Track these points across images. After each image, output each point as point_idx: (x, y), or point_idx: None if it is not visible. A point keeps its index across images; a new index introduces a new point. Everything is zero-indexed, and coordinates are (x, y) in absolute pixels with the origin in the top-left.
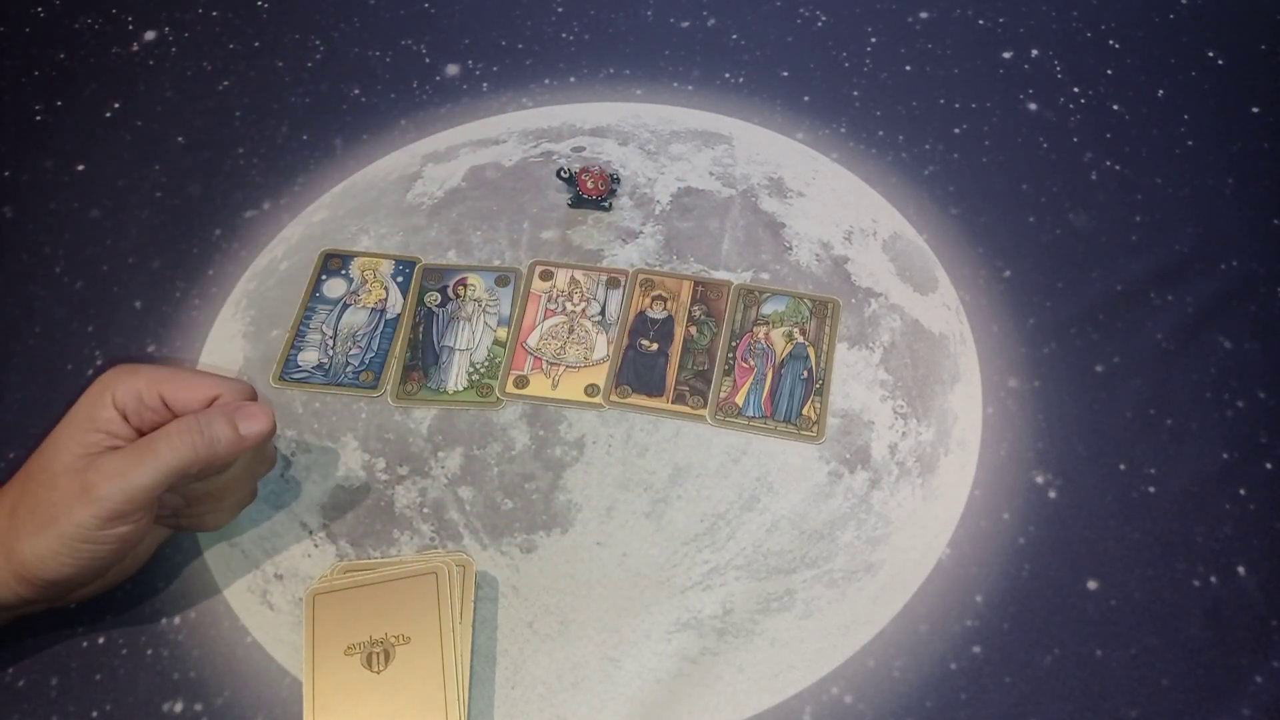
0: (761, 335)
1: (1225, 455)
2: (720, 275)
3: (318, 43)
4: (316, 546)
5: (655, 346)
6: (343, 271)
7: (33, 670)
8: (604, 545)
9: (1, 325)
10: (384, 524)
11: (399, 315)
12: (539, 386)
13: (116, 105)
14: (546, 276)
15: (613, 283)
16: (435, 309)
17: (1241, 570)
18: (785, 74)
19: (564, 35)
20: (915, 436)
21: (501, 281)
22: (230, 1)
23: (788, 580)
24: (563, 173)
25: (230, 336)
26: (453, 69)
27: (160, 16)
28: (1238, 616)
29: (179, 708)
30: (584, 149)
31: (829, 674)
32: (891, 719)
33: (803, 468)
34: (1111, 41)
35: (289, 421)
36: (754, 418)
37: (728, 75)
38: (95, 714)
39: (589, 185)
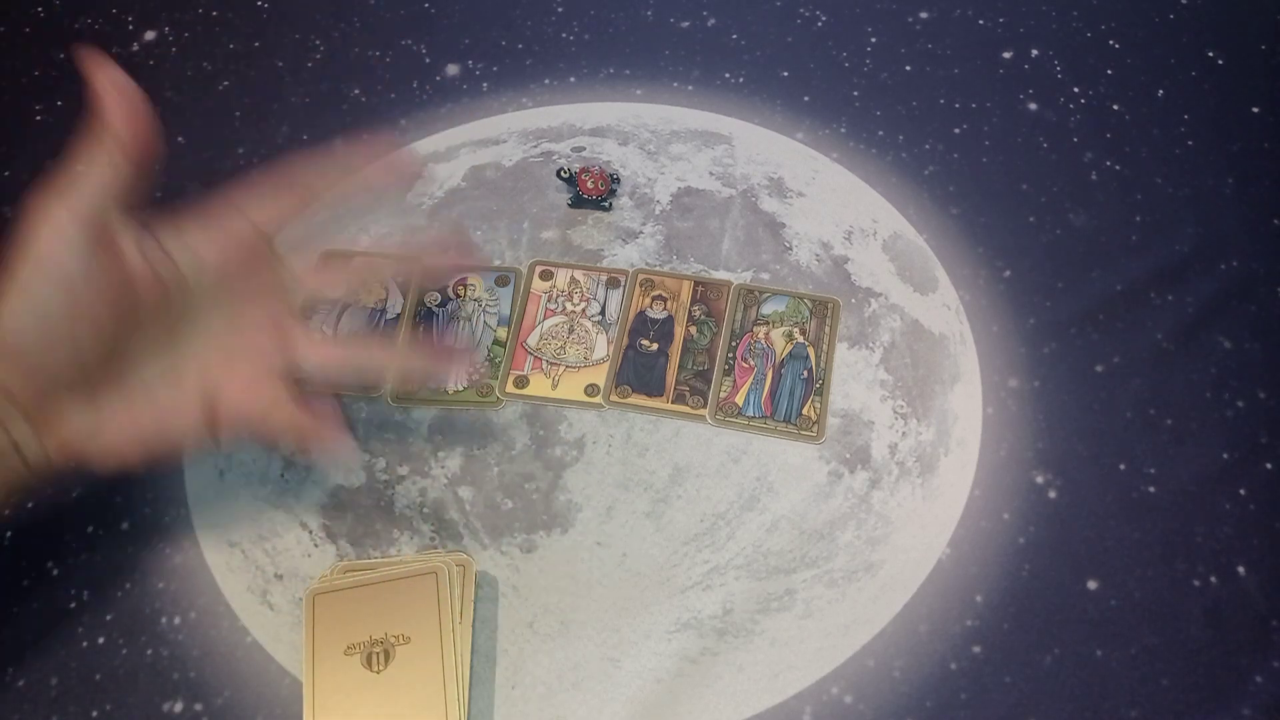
0: (761, 335)
1: (1225, 455)
2: (720, 275)
3: (318, 43)
4: (316, 546)
5: (655, 346)
6: None
7: (33, 670)
8: (604, 545)
9: None
10: (384, 524)
11: (399, 315)
12: (539, 386)
13: None
14: (546, 276)
15: (613, 283)
16: (435, 309)
17: (1241, 570)
18: (785, 74)
19: (564, 35)
20: (915, 436)
21: (501, 281)
22: (230, 1)
23: (788, 580)
24: (563, 173)
25: None
26: (453, 69)
27: (160, 16)
28: (1238, 616)
29: (179, 708)
30: (584, 149)
31: (829, 674)
32: (891, 719)
33: (803, 468)
34: (1111, 41)
35: None
36: (754, 418)
37: (728, 75)
38: (95, 714)
39: (589, 185)
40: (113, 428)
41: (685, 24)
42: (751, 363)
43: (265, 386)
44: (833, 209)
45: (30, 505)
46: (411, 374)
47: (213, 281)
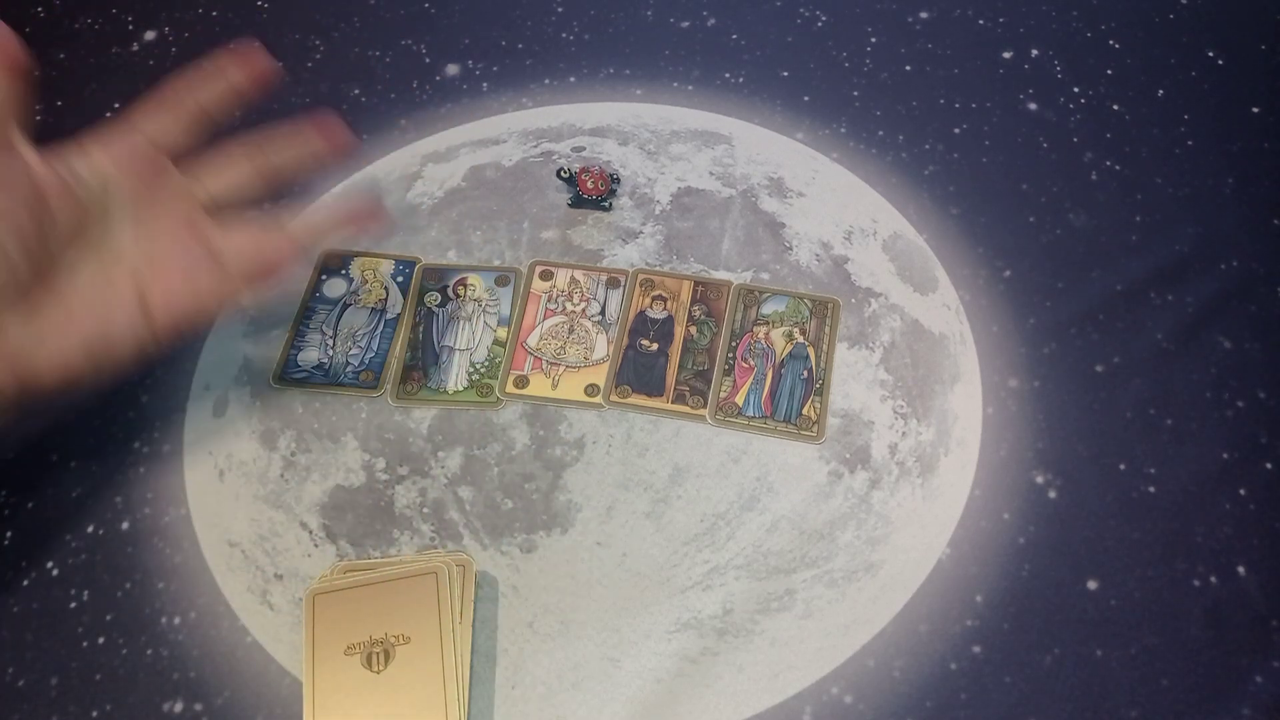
0: (761, 335)
1: (1225, 455)
2: (720, 275)
3: (318, 43)
4: (316, 546)
5: (655, 346)
6: (343, 271)
7: (33, 670)
8: (604, 545)
9: None
10: (384, 524)
11: (399, 315)
12: (539, 386)
13: (116, 105)
14: (546, 276)
15: (613, 283)
16: (435, 309)
17: (1241, 570)
18: (785, 74)
19: (564, 35)
20: (915, 436)
21: (501, 281)
22: (230, 1)
23: (788, 580)
24: (563, 173)
25: (230, 336)
26: (453, 69)
27: (160, 16)
28: (1238, 616)
29: (179, 708)
30: (584, 149)
31: (829, 674)
32: (891, 719)
33: (803, 468)
34: (1111, 41)
35: (289, 421)
36: (754, 418)
37: (728, 75)
38: (95, 714)
39: (589, 185)
40: (55, 336)
41: (685, 24)
42: (751, 363)
43: (193, 276)
44: (833, 209)
45: (30, 505)
46: (325, 238)
47: (120, 193)
